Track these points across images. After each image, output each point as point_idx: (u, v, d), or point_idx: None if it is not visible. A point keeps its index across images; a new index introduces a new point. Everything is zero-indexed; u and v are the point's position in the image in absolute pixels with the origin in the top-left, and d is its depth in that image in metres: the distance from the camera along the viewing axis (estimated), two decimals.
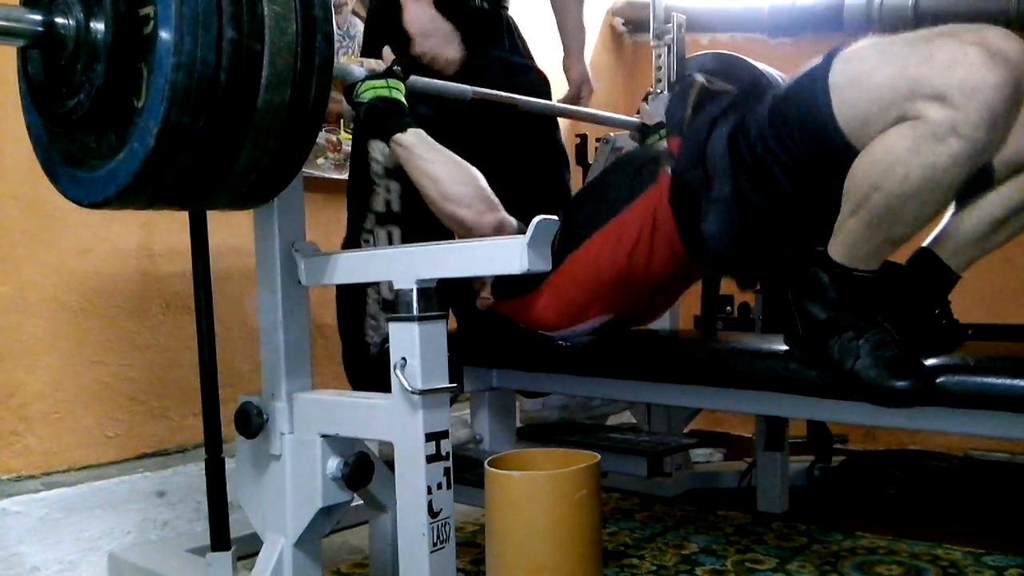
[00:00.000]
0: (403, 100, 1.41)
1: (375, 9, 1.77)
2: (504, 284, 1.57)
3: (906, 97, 1.05)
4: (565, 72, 1.98)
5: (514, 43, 1.85)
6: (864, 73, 1.12)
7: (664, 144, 1.57)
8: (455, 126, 1.61)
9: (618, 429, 1.82)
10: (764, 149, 1.25)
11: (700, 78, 1.66)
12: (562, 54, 2.00)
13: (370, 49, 1.72)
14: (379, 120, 1.40)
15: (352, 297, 1.64)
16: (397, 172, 1.58)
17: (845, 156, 1.14)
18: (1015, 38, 1.00)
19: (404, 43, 1.59)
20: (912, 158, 1.04)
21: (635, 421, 1.85)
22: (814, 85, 1.16)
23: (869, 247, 1.14)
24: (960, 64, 0.99)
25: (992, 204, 1.27)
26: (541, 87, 1.86)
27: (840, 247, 1.16)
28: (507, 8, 1.85)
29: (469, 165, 1.41)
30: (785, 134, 1.21)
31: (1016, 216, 1.27)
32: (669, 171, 1.42)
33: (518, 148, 1.79)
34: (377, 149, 1.63)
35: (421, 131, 1.41)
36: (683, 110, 1.59)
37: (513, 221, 1.43)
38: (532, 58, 1.89)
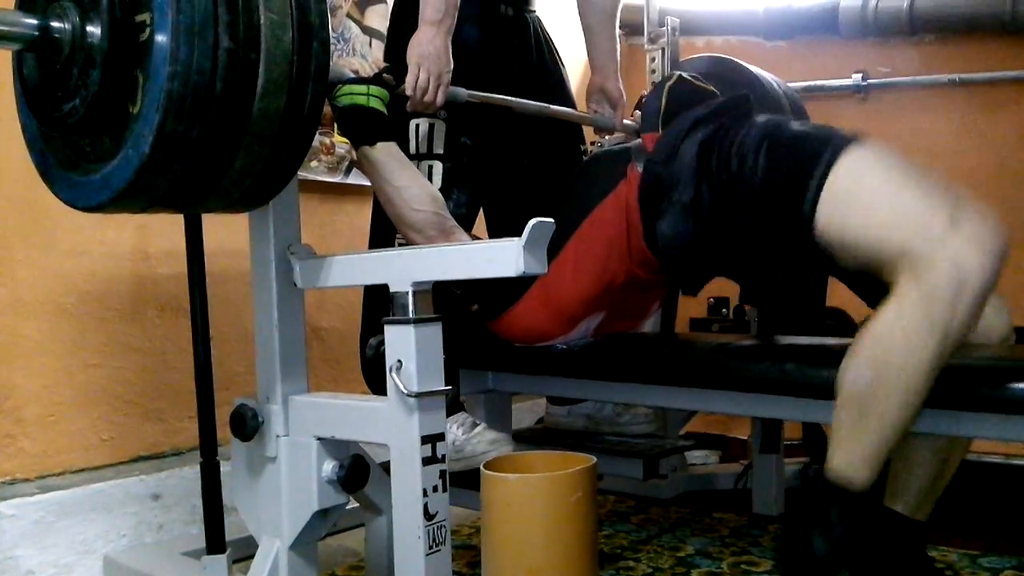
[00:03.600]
0: (382, 109, 1.39)
1: (398, 12, 1.71)
2: (490, 300, 1.56)
3: (894, 257, 1.07)
4: (600, 91, 1.86)
5: (542, 53, 1.79)
6: (863, 203, 1.14)
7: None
8: (492, 150, 1.66)
9: (615, 432, 1.82)
10: (739, 170, 1.25)
11: (684, 74, 1.65)
12: (590, 70, 1.89)
13: (392, 51, 1.69)
14: (350, 127, 1.41)
15: (379, 299, 1.61)
16: (438, 154, 1.59)
17: (804, 233, 1.18)
18: (1000, 230, 1.04)
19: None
20: (902, 356, 1.05)
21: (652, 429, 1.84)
22: (814, 168, 1.17)
23: (864, 449, 1.08)
24: (948, 246, 1.02)
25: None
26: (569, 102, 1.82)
27: (837, 459, 1.10)
28: (533, 11, 1.80)
29: (429, 186, 1.45)
30: (767, 174, 1.23)
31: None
32: (640, 167, 1.41)
33: (548, 163, 1.79)
34: (414, 129, 1.61)
35: (392, 145, 1.41)
36: (657, 103, 1.58)
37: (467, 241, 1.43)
38: (561, 64, 1.84)
